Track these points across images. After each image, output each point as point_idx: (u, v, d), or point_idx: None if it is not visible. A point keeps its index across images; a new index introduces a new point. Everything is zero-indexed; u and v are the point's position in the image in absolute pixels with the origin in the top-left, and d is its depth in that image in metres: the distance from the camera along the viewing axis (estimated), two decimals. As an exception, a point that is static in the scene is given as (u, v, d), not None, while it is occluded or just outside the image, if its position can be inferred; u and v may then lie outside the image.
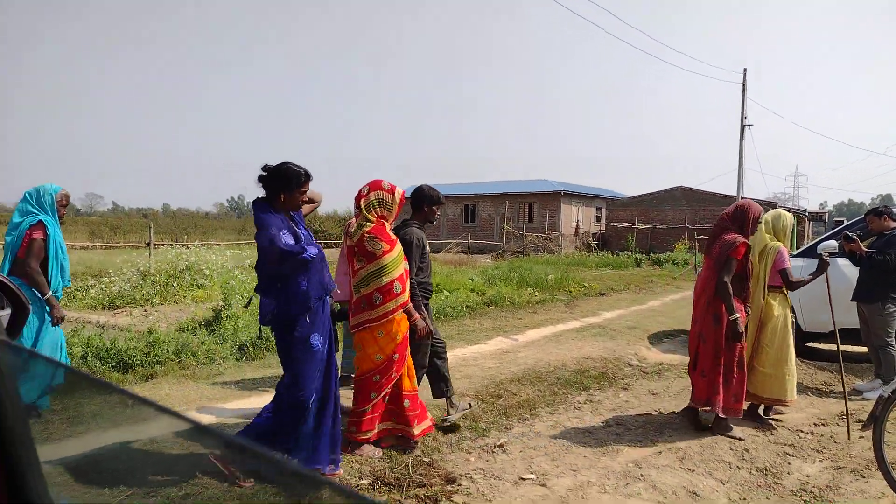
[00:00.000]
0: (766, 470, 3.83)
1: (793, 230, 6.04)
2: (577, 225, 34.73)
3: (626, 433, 4.45)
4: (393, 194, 3.89)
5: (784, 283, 4.76)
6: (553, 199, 33.73)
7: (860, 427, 3.68)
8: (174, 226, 42.10)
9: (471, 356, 6.93)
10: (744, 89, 27.09)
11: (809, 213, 45.15)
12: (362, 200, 3.84)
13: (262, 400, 4.86)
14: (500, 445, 4.12)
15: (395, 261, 3.78)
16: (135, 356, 5.78)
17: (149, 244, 13.26)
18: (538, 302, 11.61)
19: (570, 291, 13.39)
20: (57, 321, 4.06)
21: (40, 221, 4.07)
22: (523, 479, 3.57)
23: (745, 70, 27.47)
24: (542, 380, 5.93)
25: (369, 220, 3.79)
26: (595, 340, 8.22)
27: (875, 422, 3.31)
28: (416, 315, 3.94)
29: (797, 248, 7.89)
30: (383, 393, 3.86)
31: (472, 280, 13.27)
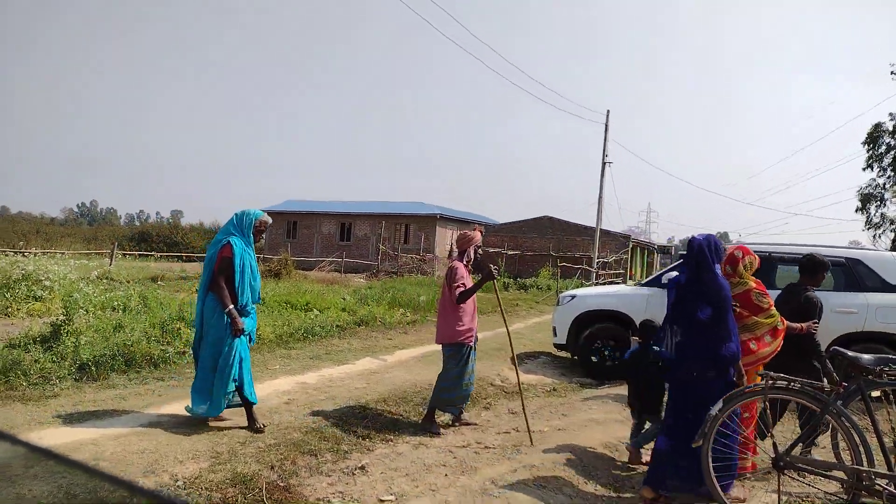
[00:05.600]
0: (610, 484, 4.09)
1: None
2: (452, 248, 35.49)
3: (485, 452, 4.58)
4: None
5: None
6: (429, 221, 34.28)
7: (692, 443, 4.03)
8: (12, 231, 37.78)
9: (338, 377, 6.82)
10: (606, 129, 29.22)
11: (659, 246, 49.41)
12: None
13: (99, 424, 4.47)
14: (362, 467, 4.08)
15: None
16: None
17: (-23, 250, 11.79)
18: (409, 322, 11.69)
19: (441, 313, 13.60)
20: (237, 333, 4.45)
21: (229, 242, 4.52)
22: (382, 501, 3.55)
23: (607, 112, 29.67)
24: (407, 400, 5.96)
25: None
26: (462, 361, 8.40)
27: (704, 438, 3.65)
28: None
29: (647, 278, 8.59)
30: None
31: (344, 299, 13.10)
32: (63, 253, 17.20)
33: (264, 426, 4.63)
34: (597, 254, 29.65)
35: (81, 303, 7.67)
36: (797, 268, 5.12)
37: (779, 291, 5.03)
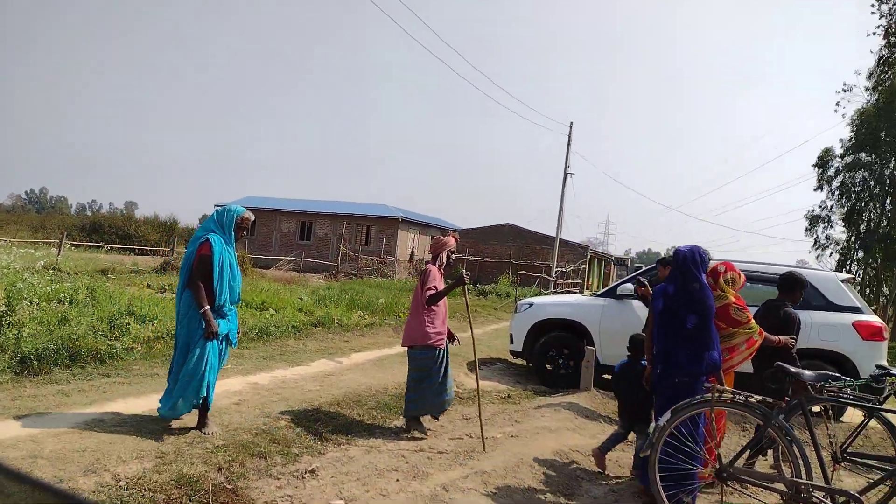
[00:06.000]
0: (560, 491, 4.14)
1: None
2: (412, 251, 35.44)
3: (437, 457, 4.57)
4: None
5: None
6: (391, 224, 34.17)
7: (639, 452, 4.12)
8: (-48, 217, 36.08)
9: (291, 378, 6.72)
10: (569, 141, 29.69)
11: (616, 258, 50.35)
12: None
13: (39, 420, 4.30)
14: (312, 471, 4.02)
15: None
16: None
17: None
18: (367, 325, 11.60)
19: (400, 316, 13.56)
20: (210, 336, 4.26)
21: (207, 239, 4.34)
22: (332, 505, 3.51)
23: (571, 124, 30.14)
24: (361, 404, 5.91)
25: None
26: (418, 366, 8.38)
27: (651, 447, 3.72)
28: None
29: (603, 289, 8.73)
30: None
31: (301, 300, 12.93)
32: (7, 241, 16.52)
33: (214, 433, 4.46)
34: (556, 263, 30.03)
35: (25, 293, 7.37)
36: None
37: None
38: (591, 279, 36.33)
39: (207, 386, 4.39)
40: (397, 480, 3.98)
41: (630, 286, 7.44)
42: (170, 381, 4.49)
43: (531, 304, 8.52)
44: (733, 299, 4.49)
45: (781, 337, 4.75)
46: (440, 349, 5.16)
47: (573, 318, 8.02)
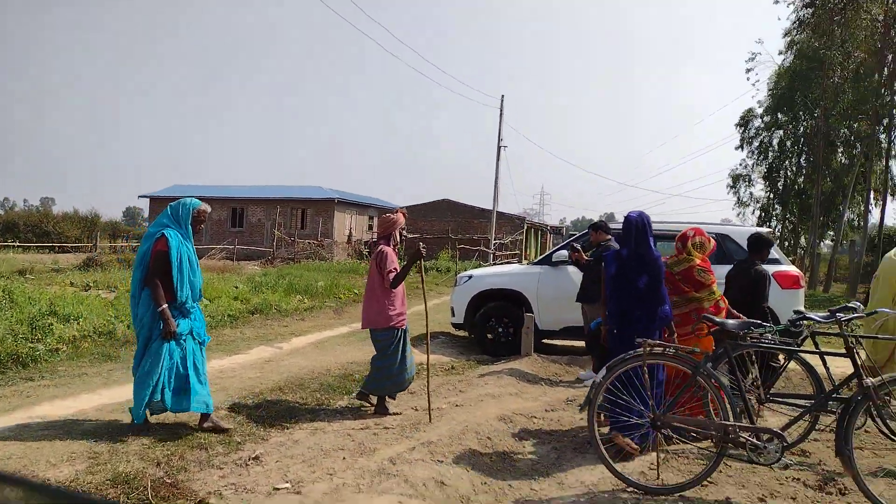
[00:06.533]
0: (504, 454, 4.23)
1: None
2: (350, 232, 35.07)
3: (383, 432, 4.59)
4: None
5: None
6: (327, 206, 33.63)
7: (580, 409, 4.25)
8: None
9: (229, 367, 6.57)
10: (501, 114, 29.87)
11: (552, 227, 51.37)
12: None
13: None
14: (256, 457, 3.96)
15: None
16: None
17: None
18: (307, 309, 11.45)
19: (340, 297, 13.45)
20: (168, 336, 4.10)
21: (163, 234, 4.15)
22: (277, 490, 3.47)
23: (502, 97, 30.31)
24: (304, 387, 5.85)
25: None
26: (361, 345, 8.36)
27: (589, 404, 3.85)
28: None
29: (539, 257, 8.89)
30: None
31: (236, 288, 12.60)
32: None
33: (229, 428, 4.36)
34: (494, 235, 30.37)
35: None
36: (672, 243, 5.53)
37: None
38: (528, 249, 36.99)
39: (189, 389, 4.21)
40: (344, 458, 3.98)
41: (564, 253, 7.60)
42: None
43: (470, 277, 8.60)
44: (699, 262, 4.70)
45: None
46: (399, 329, 5.14)
47: (511, 287, 8.15)
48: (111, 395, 5.28)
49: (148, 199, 36.83)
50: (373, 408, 5.22)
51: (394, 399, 5.37)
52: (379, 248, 5.14)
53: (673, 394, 3.95)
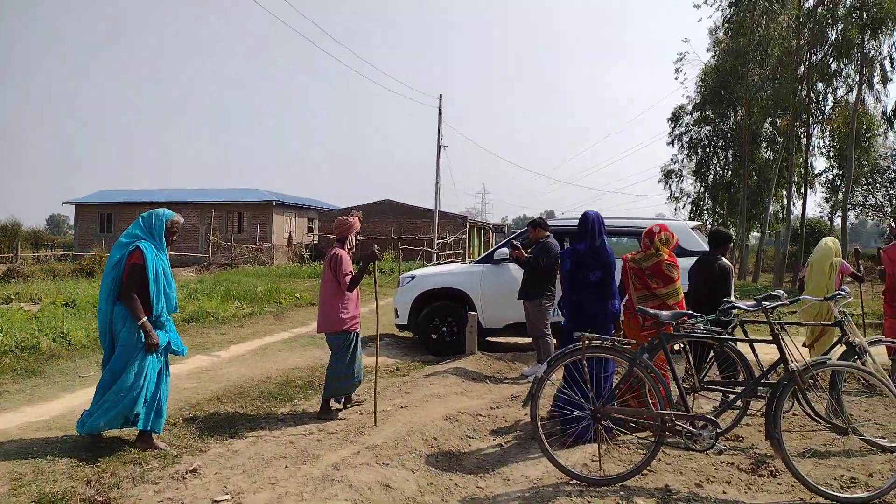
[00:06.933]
0: (450, 454, 4.23)
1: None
2: (290, 236, 34.42)
3: (327, 438, 4.50)
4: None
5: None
6: (264, 209, 32.89)
7: (523, 405, 4.28)
8: None
9: (165, 378, 6.31)
10: (440, 113, 29.91)
11: (493, 225, 51.89)
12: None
13: None
14: (194, 470, 3.82)
15: None
16: None
17: None
18: (245, 315, 11.13)
19: (281, 303, 13.16)
20: (151, 348, 4.02)
21: (138, 247, 4.05)
22: (217, 502, 3.36)
23: (440, 96, 30.35)
24: (244, 396, 5.69)
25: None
26: (303, 350, 8.21)
27: (532, 399, 3.89)
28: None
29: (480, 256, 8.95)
30: None
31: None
32: None
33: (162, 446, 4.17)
34: (437, 235, 30.43)
35: None
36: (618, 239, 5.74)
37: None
38: (472, 248, 37.23)
39: (149, 401, 4.10)
40: (286, 467, 3.88)
41: (505, 250, 7.67)
42: (96, 398, 4.10)
43: (413, 277, 8.57)
44: (666, 257, 4.87)
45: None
46: (352, 333, 5.17)
47: (454, 287, 8.16)
48: (36, 413, 5.00)
49: (73, 206, 35.14)
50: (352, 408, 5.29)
51: (339, 403, 5.32)
52: (333, 252, 5.16)
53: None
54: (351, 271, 5.10)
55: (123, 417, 4.04)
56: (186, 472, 3.78)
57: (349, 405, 5.39)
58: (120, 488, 3.53)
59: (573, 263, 4.71)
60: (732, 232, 10.16)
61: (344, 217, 5.32)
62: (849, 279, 6.46)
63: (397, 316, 8.49)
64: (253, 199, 33.56)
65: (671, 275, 4.84)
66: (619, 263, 4.96)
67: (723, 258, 5.52)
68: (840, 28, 22.63)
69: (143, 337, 4.02)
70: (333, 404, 5.25)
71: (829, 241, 6.40)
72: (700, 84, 31.14)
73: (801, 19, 23.61)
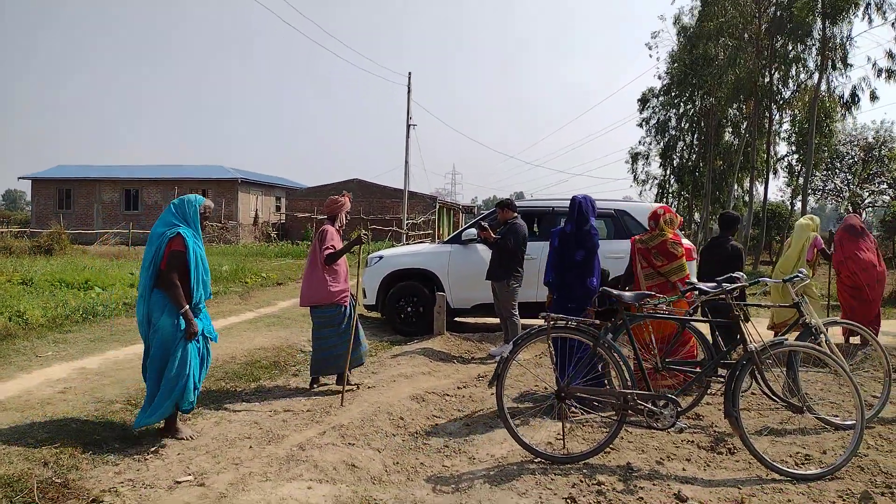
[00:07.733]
0: (416, 433, 4.24)
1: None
2: (257, 214, 33.91)
3: (293, 418, 4.48)
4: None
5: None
6: (230, 186, 32.29)
7: (489, 385, 4.31)
8: None
9: (125, 359, 6.19)
10: (409, 91, 29.63)
11: (463, 206, 51.92)
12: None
13: None
14: (155, 451, 3.77)
15: None
16: None
17: None
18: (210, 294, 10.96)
19: (247, 282, 13.01)
20: (192, 336, 3.96)
21: (179, 234, 3.98)
22: (179, 483, 3.31)
23: (409, 74, 30.06)
24: (208, 376, 5.58)
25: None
26: (269, 330, 8.13)
27: (497, 379, 3.92)
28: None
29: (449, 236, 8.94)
30: None
31: (132, 274, 11.88)
32: None
33: (189, 436, 4.08)
34: (406, 215, 30.30)
35: None
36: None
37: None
38: (441, 229, 37.19)
39: (194, 390, 4.03)
40: (250, 447, 3.85)
41: (473, 231, 7.67)
42: (149, 390, 4.00)
43: (381, 257, 8.52)
44: (671, 236, 5.08)
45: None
46: (343, 306, 5.23)
47: (422, 267, 8.15)
48: (-11, 395, 4.85)
49: (30, 181, 33.99)
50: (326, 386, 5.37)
51: (344, 381, 5.16)
52: (322, 227, 5.32)
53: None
54: (333, 246, 5.18)
55: (173, 405, 3.98)
56: (148, 453, 3.73)
57: (341, 384, 5.18)
58: (79, 469, 3.47)
59: (560, 242, 5.07)
60: (697, 215, 10.30)
61: (335, 196, 5.54)
62: (823, 261, 6.90)
63: (365, 296, 8.45)
64: (218, 176, 32.90)
65: (675, 252, 5.05)
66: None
67: (733, 240, 5.81)
68: (793, 13, 22.87)
69: (181, 324, 3.93)
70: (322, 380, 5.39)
71: (807, 219, 6.92)
72: (668, 67, 31.39)
73: (762, 4, 23.92)
